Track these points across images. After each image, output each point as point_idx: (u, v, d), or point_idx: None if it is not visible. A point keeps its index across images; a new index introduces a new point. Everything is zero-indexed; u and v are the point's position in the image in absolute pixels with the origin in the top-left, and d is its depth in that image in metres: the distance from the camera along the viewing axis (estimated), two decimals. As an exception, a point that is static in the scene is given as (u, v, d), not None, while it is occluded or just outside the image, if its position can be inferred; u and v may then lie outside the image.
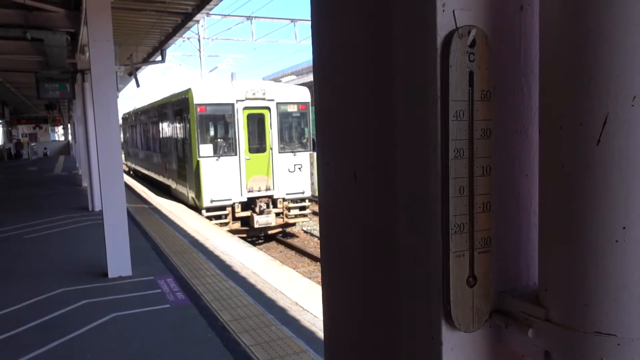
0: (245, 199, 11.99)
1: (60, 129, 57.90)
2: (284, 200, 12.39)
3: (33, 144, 44.30)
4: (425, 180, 0.45)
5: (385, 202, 0.52)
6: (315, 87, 0.64)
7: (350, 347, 0.61)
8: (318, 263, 10.27)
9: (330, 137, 0.62)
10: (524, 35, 0.45)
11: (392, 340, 0.51)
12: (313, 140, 17.66)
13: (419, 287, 0.47)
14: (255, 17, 22.36)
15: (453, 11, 0.42)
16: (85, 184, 14.08)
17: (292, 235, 13.02)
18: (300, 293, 5.69)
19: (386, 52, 0.49)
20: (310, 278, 7.48)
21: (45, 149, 42.28)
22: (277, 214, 12.21)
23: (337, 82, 0.60)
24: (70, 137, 41.63)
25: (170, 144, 14.71)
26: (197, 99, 11.69)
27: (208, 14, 17.54)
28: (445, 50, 0.42)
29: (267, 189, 12.23)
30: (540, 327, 0.41)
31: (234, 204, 11.94)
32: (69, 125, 38.26)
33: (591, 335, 0.37)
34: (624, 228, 0.36)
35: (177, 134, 13.75)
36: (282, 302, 5.32)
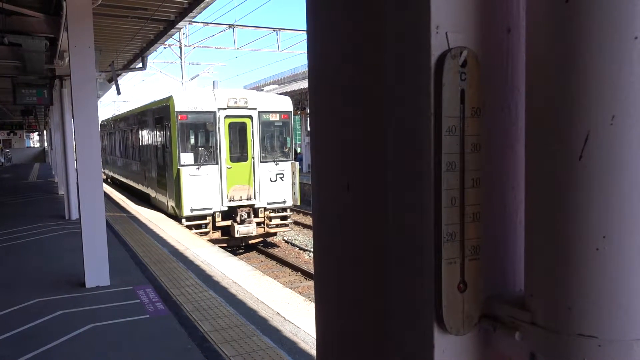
0: (226, 208, 11.90)
1: (35, 135, 56.68)
2: (265, 209, 12.34)
3: (7, 150, 43.23)
4: (417, 191, 0.47)
5: (378, 212, 0.54)
6: (310, 99, 0.66)
7: (343, 351, 0.62)
8: (299, 273, 10.24)
9: (323, 148, 0.64)
10: (510, 56, 0.48)
11: (385, 343, 0.53)
12: (295, 150, 17.65)
13: (412, 292, 0.49)
14: (237, 25, 22.37)
15: (446, 33, 0.45)
16: (61, 191, 13.78)
17: (273, 245, 12.96)
18: (282, 303, 5.67)
19: (380, 70, 0.52)
20: (291, 288, 7.45)
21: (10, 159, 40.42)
22: (258, 224, 12.15)
23: (331, 96, 0.62)
24: (46, 144, 40.73)
25: (150, 152, 14.54)
26: (178, 106, 11.61)
27: (191, 22, 17.49)
28: (438, 70, 0.44)
29: (249, 198, 12.17)
30: (526, 330, 0.43)
31: (214, 213, 11.84)
32: (44, 132, 37.46)
33: (574, 337, 0.40)
34: (604, 237, 0.39)
35: (157, 141, 13.60)
36: (263, 312, 5.29)
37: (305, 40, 0.68)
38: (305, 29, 0.67)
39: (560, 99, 0.40)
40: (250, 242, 12.28)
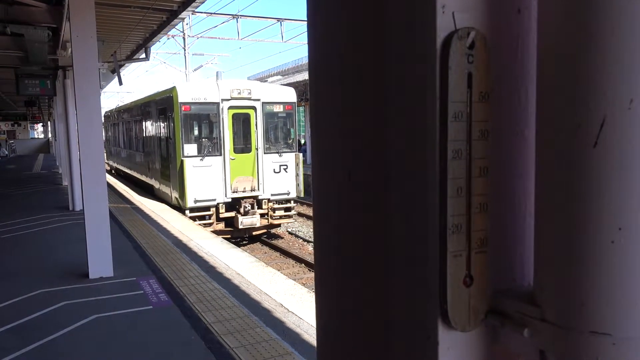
0: (230, 200, 11.91)
1: (39, 127, 56.84)
2: (269, 201, 12.34)
3: (11, 141, 43.37)
4: (422, 180, 0.45)
5: (380, 202, 0.52)
6: (310, 87, 0.64)
7: (343, 346, 0.61)
8: (303, 264, 10.26)
9: (324, 138, 0.62)
10: (521, 37, 0.45)
11: (387, 340, 0.51)
12: (299, 141, 17.61)
13: (415, 287, 0.47)
14: (241, 15, 22.24)
15: (453, 13, 0.42)
16: (65, 182, 13.83)
17: (277, 237, 12.98)
18: (285, 295, 5.68)
19: (382, 52, 0.49)
20: (294, 279, 7.47)
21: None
22: (262, 215, 12.16)
23: (332, 83, 0.59)
24: (50, 135, 40.83)
25: (153, 143, 14.54)
26: (182, 97, 11.58)
27: (194, 12, 17.41)
28: (444, 52, 0.42)
29: (252, 190, 12.17)
30: (535, 327, 0.41)
31: (218, 204, 11.85)
32: (48, 123, 37.51)
33: (587, 335, 0.38)
34: (620, 229, 0.36)
35: (160, 132, 13.60)
36: (266, 303, 5.30)
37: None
38: (306, 17, 0.65)
39: (574, 82, 0.38)
40: (253, 233, 12.30)
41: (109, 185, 13.10)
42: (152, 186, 15.08)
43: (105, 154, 13.95)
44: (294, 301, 5.43)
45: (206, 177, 11.65)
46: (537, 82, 0.43)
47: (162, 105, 13.14)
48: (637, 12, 0.35)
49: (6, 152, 38.13)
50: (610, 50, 0.36)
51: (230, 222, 12.03)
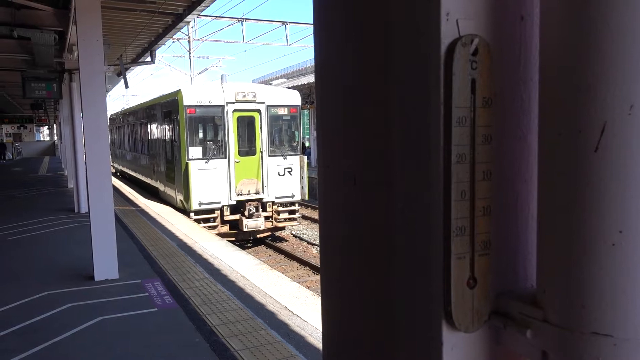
0: (234, 202, 11.93)
1: (45, 129, 57.18)
2: (274, 203, 12.35)
3: (17, 144, 43.58)
4: (426, 184, 0.46)
5: (385, 205, 0.52)
6: (316, 90, 0.65)
7: (349, 347, 0.61)
8: (307, 267, 10.25)
9: (330, 141, 0.63)
10: (523, 44, 0.46)
11: (391, 340, 0.52)
12: (303, 144, 17.62)
13: (419, 288, 0.48)
14: (246, 19, 22.34)
15: (456, 20, 0.43)
16: (71, 185, 13.90)
17: (281, 239, 12.99)
18: (290, 297, 5.68)
19: (387, 58, 0.50)
20: (299, 282, 7.47)
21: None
22: (267, 218, 12.17)
23: (336, 86, 0.61)
24: (55, 138, 41.03)
25: (158, 145, 14.60)
26: (187, 100, 11.63)
27: (199, 15, 17.49)
28: (448, 58, 0.43)
29: (257, 193, 12.19)
30: (538, 328, 0.42)
31: (222, 207, 11.87)
32: (54, 126, 37.70)
33: (588, 336, 0.39)
34: (620, 232, 0.37)
35: (166, 135, 13.65)
36: (271, 306, 5.30)
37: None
38: (312, 20, 0.66)
39: (576, 88, 0.39)
40: (258, 236, 12.31)
41: (114, 188, 13.14)
42: (157, 189, 15.13)
43: (110, 157, 14.00)
44: (299, 304, 5.44)
45: (211, 180, 11.68)
46: (539, 88, 0.43)
47: (167, 108, 13.19)
48: (637, 20, 0.36)
49: (10, 156, 38.20)
50: (611, 57, 0.37)
51: (235, 225, 12.04)
